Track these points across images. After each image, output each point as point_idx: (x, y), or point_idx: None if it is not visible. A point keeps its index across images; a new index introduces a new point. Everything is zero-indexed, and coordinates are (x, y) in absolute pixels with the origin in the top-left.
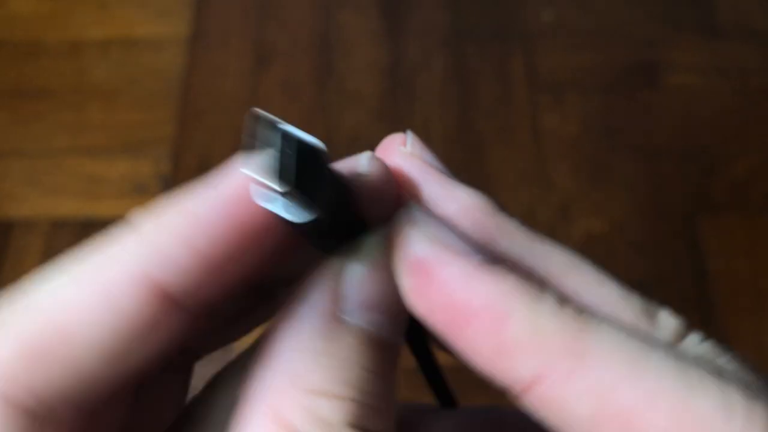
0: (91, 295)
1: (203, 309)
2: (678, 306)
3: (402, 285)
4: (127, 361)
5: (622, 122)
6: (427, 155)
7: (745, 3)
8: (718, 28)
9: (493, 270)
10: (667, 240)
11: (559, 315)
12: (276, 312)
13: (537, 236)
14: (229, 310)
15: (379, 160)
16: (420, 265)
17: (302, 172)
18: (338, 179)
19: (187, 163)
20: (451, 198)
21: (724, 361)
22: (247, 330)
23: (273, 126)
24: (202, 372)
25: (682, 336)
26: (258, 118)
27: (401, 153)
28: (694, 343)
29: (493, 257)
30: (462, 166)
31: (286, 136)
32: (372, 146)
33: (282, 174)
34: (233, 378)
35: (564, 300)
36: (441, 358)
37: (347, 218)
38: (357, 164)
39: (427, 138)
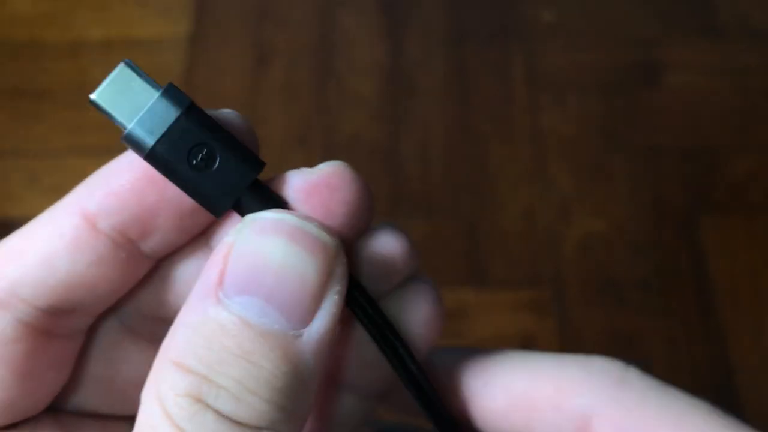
0: (45, 223)
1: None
2: (678, 306)
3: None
4: (75, 270)
5: (622, 122)
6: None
7: (745, 3)
8: (718, 28)
9: None
10: (667, 240)
11: None
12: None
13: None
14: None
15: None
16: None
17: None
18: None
19: None
20: None
21: None
22: None
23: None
24: None
25: None
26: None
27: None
28: None
29: None
30: (462, 166)
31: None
32: (372, 146)
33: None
34: None
35: None
36: None
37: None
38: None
39: (427, 138)
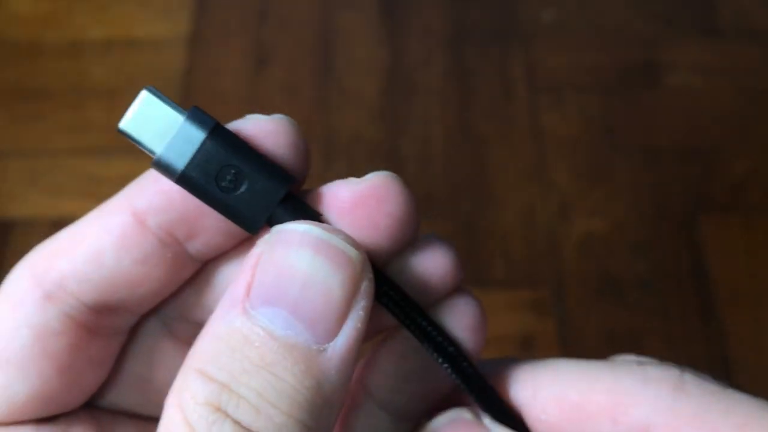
0: (94, 220)
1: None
2: (678, 306)
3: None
4: (121, 267)
5: (622, 122)
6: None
7: (745, 3)
8: (718, 28)
9: None
10: (667, 240)
11: None
12: None
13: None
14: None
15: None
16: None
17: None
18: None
19: None
20: None
21: None
22: None
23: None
24: None
25: None
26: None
27: None
28: None
29: None
30: (462, 166)
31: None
32: (372, 146)
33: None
34: None
35: None
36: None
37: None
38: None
39: (427, 138)
